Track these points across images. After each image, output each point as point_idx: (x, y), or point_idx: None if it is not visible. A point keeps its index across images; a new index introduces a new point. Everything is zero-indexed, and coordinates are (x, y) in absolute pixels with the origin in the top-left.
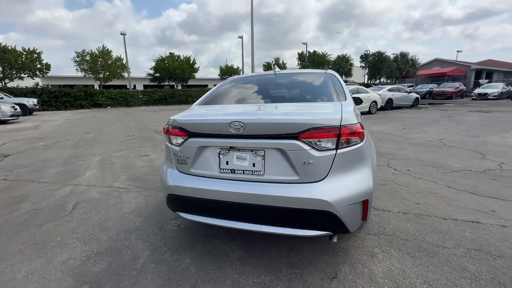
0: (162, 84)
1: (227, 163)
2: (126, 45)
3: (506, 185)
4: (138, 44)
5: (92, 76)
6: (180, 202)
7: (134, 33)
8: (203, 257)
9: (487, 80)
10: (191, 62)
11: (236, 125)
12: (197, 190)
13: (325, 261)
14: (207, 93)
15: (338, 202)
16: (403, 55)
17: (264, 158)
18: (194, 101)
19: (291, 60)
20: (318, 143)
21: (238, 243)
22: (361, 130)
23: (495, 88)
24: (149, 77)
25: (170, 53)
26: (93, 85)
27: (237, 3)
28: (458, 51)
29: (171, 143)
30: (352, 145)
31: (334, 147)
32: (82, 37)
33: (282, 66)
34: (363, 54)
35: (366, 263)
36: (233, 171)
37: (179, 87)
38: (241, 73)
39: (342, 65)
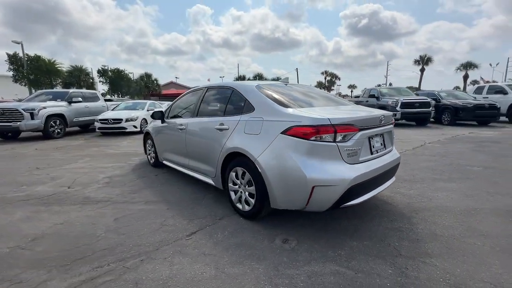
0: None
1: (373, 146)
2: None
3: None
4: None
5: None
6: (355, 190)
7: None
8: (358, 233)
9: None
10: None
11: (382, 118)
12: (368, 174)
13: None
14: (271, 97)
15: None
16: (148, 76)
17: (384, 138)
18: None
19: None
20: None
21: (341, 217)
22: None
23: None
24: None
25: None
26: None
27: None
28: (177, 77)
29: (334, 141)
30: None
31: None
32: None
33: None
34: (100, 68)
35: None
36: (377, 151)
37: None
38: None
39: (82, 78)
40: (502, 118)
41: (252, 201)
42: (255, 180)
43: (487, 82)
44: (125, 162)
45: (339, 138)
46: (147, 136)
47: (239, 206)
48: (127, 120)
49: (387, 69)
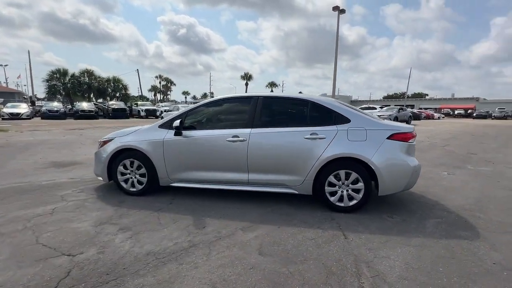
0: None
1: None
2: None
3: None
4: None
5: None
6: None
7: None
8: (415, 204)
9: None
10: None
11: None
12: None
13: None
14: (357, 110)
15: None
16: None
17: None
18: None
19: None
20: None
21: (388, 200)
22: None
23: (22, 108)
24: None
25: None
26: None
27: None
28: None
29: (413, 142)
30: None
31: None
32: None
33: None
34: None
35: None
36: None
37: None
38: None
39: None
40: None
41: (358, 196)
42: (365, 177)
43: None
44: (64, 199)
45: (414, 140)
46: (122, 155)
47: (340, 204)
48: None
49: (210, 79)
